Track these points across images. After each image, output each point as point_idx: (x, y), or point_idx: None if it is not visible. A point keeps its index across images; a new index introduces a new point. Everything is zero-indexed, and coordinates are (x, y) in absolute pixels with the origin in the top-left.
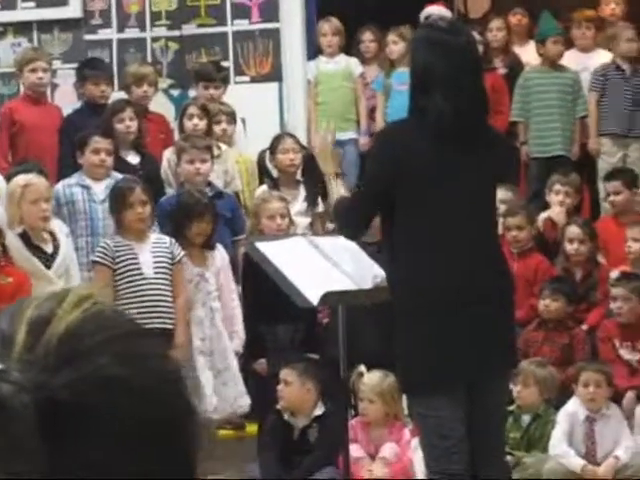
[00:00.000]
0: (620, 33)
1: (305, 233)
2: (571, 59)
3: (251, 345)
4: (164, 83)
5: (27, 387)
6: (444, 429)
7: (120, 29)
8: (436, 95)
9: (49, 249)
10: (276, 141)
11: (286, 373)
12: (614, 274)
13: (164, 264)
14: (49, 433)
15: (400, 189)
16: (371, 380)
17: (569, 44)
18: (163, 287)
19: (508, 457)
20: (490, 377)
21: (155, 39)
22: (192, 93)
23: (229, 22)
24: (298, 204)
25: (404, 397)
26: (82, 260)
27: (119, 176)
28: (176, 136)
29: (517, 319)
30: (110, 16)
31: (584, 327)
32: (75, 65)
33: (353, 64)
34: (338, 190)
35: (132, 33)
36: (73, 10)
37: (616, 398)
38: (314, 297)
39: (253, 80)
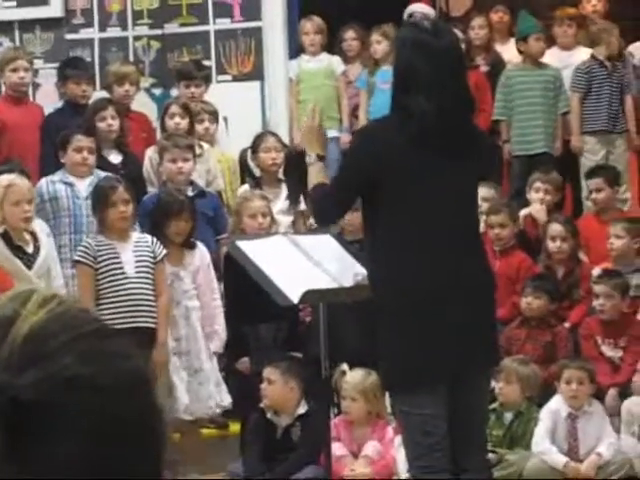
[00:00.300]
0: (610, 31)
1: (287, 232)
2: (553, 57)
3: (234, 344)
4: (146, 82)
5: None
6: (427, 426)
7: (102, 28)
8: (419, 96)
9: (30, 249)
10: (258, 140)
11: (269, 372)
12: (596, 271)
13: (146, 263)
14: (14, 433)
15: (382, 186)
16: (354, 378)
17: (550, 42)
18: (145, 286)
19: (491, 454)
20: (472, 375)
21: (137, 38)
22: (174, 92)
23: (211, 21)
24: (280, 202)
25: (387, 395)
26: (66, 257)
27: (102, 174)
28: (158, 135)
29: (500, 317)
30: (92, 15)
31: (566, 325)
32: (57, 64)
33: (335, 62)
34: (317, 176)
35: (114, 32)
36: (54, 9)
37: (599, 395)
38: (295, 295)
39: (235, 79)
